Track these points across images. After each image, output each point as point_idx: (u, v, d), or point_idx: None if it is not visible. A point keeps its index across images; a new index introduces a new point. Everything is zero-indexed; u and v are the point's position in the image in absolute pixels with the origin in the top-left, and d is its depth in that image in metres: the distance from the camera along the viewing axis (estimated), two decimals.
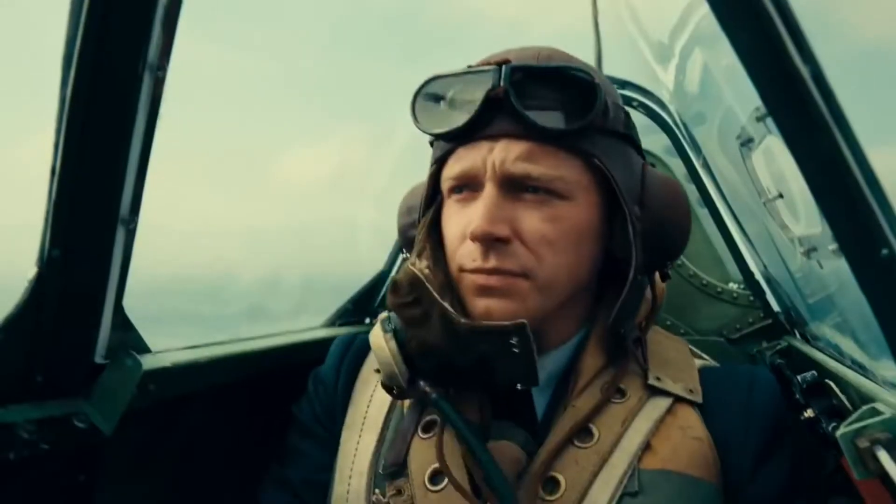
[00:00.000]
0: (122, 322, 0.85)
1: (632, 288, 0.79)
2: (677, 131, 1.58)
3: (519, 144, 0.76)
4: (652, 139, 1.63)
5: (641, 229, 0.80)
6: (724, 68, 1.01)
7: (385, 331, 0.79)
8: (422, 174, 0.91)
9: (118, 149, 0.70)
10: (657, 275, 0.91)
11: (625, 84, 1.66)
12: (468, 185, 0.80)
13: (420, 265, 0.80)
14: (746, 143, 1.01)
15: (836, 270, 0.85)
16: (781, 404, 0.85)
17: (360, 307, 1.58)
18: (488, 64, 0.77)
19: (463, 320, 0.74)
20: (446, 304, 0.75)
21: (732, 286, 1.56)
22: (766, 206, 1.05)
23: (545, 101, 0.75)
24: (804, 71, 0.51)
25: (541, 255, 0.77)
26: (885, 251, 0.54)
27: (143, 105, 0.70)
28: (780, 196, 0.98)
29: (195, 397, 0.97)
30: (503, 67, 0.75)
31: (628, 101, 1.64)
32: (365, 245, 1.73)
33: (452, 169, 0.80)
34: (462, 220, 0.79)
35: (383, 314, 0.81)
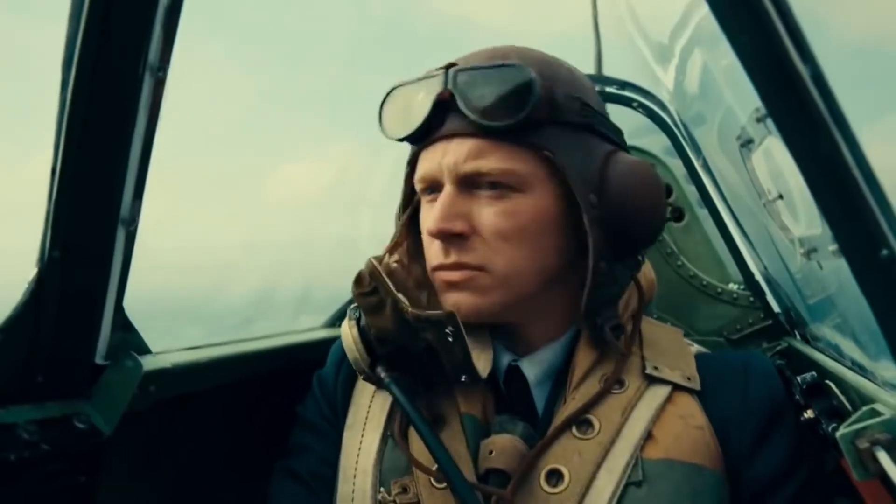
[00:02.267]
0: (123, 323, 0.85)
1: (596, 276, 0.79)
2: (677, 132, 1.58)
3: (469, 142, 0.79)
4: (652, 139, 1.63)
5: (599, 216, 0.79)
6: (723, 69, 1.01)
7: (350, 318, 0.84)
8: None
9: (119, 149, 0.70)
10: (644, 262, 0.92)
11: (624, 85, 1.66)
12: (432, 187, 0.83)
13: (389, 259, 0.85)
14: (746, 143, 1.01)
15: (835, 271, 0.85)
16: (777, 388, 0.85)
17: None
18: (440, 68, 0.81)
19: (410, 309, 0.78)
20: (399, 295, 0.80)
21: (732, 287, 1.56)
22: (766, 206, 1.05)
23: (488, 99, 0.78)
24: (804, 71, 0.51)
25: (497, 248, 0.80)
26: (884, 251, 0.54)
27: (143, 106, 0.70)
28: (780, 197, 0.98)
29: (196, 398, 0.97)
30: (448, 71, 0.79)
31: (628, 101, 1.64)
32: (363, 258, 1.72)
33: (418, 172, 0.85)
34: (428, 220, 0.83)
35: (353, 305, 0.86)
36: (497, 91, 0.78)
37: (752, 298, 1.54)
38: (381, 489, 0.82)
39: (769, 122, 0.85)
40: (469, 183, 0.80)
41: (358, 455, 0.86)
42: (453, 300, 0.81)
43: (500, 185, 0.79)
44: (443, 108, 0.80)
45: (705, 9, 0.56)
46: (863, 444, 0.63)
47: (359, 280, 0.84)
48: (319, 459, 0.90)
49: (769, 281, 1.49)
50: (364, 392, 0.92)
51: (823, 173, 0.55)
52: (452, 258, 0.80)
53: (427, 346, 0.79)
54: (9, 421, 0.71)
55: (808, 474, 0.82)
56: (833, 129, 0.52)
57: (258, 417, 1.13)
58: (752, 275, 1.52)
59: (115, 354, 0.82)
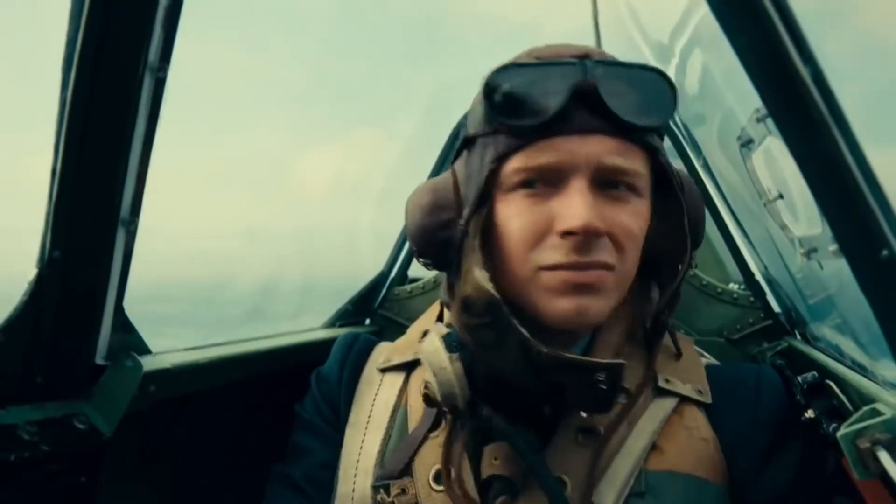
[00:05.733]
0: (123, 323, 0.85)
1: (681, 280, 0.80)
2: (677, 132, 1.57)
3: (609, 139, 0.74)
4: None
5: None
6: (724, 69, 1.01)
7: (449, 350, 0.75)
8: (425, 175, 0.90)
9: (119, 150, 0.70)
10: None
11: None
12: (545, 180, 0.75)
13: (483, 277, 0.74)
14: (747, 143, 1.01)
15: (836, 271, 0.85)
16: (786, 403, 0.85)
17: (360, 308, 1.58)
18: (560, 57, 0.76)
19: (545, 350, 0.70)
20: (524, 332, 0.71)
21: (733, 287, 1.56)
22: (766, 206, 1.05)
23: (627, 98, 0.74)
24: (804, 72, 0.51)
25: (625, 250, 0.76)
26: (885, 252, 0.54)
27: (143, 106, 0.70)
28: (781, 197, 0.98)
29: (196, 398, 0.97)
30: (587, 61, 0.74)
31: None
32: (383, 248, 1.73)
33: (530, 161, 0.75)
34: (539, 217, 0.75)
35: (441, 328, 0.78)
36: (642, 91, 0.75)
37: (752, 298, 1.53)
38: (381, 490, 0.82)
39: (769, 122, 0.85)
40: (601, 181, 0.75)
41: (359, 455, 0.86)
42: (575, 304, 0.74)
43: (629, 187, 0.77)
44: (577, 99, 0.73)
45: (705, 8, 0.55)
46: (864, 443, 0.63)
47: (469, 307, 0.74)
48: (316, 462, 0.90)
49: (769, 281, 1.49)
50: (366, 392, 0.92)
51: (824, 173, 0.55)
52: (590, 256, 0.73)
53: (555, 387, 0.73)
54: (9, 421, 0.71)
55: (812, 493, 0.81)
56: (833, 129, 0.52)
57: (258, 418, 1.13)
58: (752, 274, 1.52)
59: (114, 355, 0.82)
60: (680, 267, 0.80)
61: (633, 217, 0.76)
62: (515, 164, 0.76)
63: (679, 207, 0.80)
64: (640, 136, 0.76)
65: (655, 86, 0.76)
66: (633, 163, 0.76)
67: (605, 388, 0.70)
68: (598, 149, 0.74)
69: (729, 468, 0.80)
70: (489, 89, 0.75)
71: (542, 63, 0.75)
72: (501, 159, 0.77)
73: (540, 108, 0.73)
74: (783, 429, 0.82)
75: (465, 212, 0.79)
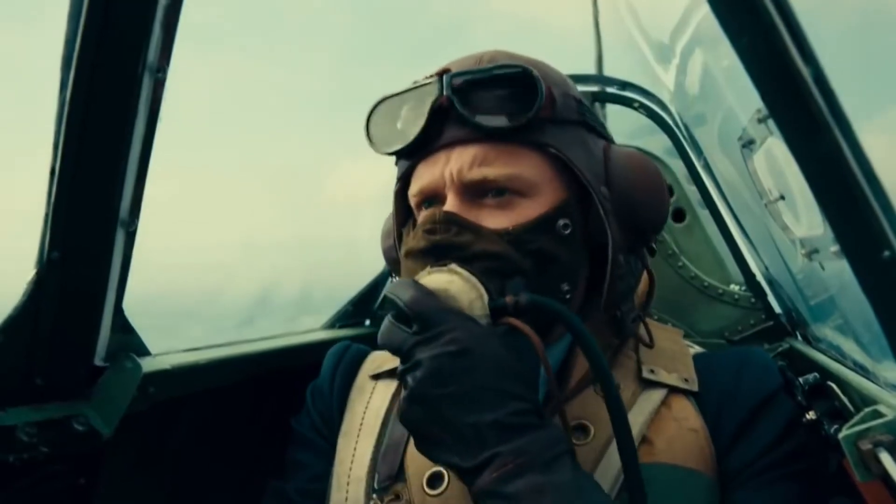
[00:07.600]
0: (122, 324, 0.85)
1: (616, 268, 0.79)
2: (678, 132, 1.57)
3: (472, 149, 0.77)
4: (652, 140, 1.62)
5: (613, 209, 0.80)
6: (725, 69, 1.01)
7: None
8: None
9: (118, 150, 0.70)
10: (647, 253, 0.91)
11: (625, 85, 1.66)
12: (433, 200, 0.81)
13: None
14: (748, 144, 1.01)
15: (837, 272, 0.85)
16: (771, 380, 0.83)
17: (360, 309, 1.58)
18: (431, 76, 0.79)
19: None
20: None
21: (734, 288, 1.56)
22: (767, 207, 1.05)
23: (489, 103, 0.76)
24: (805, 72, 0.51)
25: None
26: (886, 252, 0.54)
27: (142, 106, 0.70)
28: (782, 197, 0.98)
29: (195, 399, 0.97)
30: (444, 77, 0.77)
31: (629, 101, 1.63)
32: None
33: (415, 186, 0.81)
34: None
35: None
36: (502, 94, 0.76)
37: (753, 299, 1.53)
38: (374, 496, 0.81)
39: (770, 122, 0.85)
40: (474, 192, 0.78)
41: (352, 462, 0.86)
42: None
43: (506, 192, 0.78)
44: (440, 116, 0.77)
45: (706, 9, 0.55)
46: (865, 445, 0.63)
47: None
48: (309, 474, 0.89)
49: (770, 282, 1.49)
50: (358, 400, 0.91)
51: (825, 174, 0.55)
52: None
53: None
54: (8, 423, 0.71)
55: (789, 466, 0.78)
56: (835, 129, 0.52)
57: (257, 419, 1.13)
58: (753, 276, 1.52)
59: (114, 356, 0.82)
60: (612, 254, 0.78)
61: (514, 220, 0.77)
62: (412, 189, 0.82)
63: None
64: (520, 136, 0.77)
65: (518, 83, 0.77)
66: (507, 167, 0.77)
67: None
68: (461, 163, 0.77)
69: (715, 449, 0.79)
70: (365, 125, 0.82)
71: (404, 91, 0.80)
72: (403, 181, 0.84)
73: (405, 134, 0.79)
74: (763, 402, 0.80)
75: (395, 233, 0.88)
